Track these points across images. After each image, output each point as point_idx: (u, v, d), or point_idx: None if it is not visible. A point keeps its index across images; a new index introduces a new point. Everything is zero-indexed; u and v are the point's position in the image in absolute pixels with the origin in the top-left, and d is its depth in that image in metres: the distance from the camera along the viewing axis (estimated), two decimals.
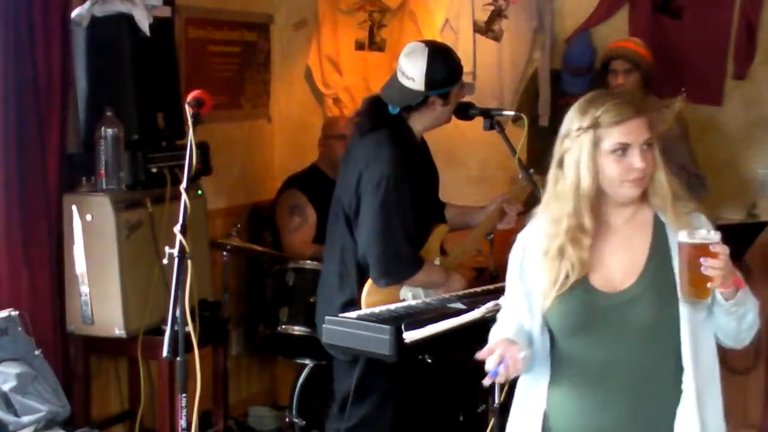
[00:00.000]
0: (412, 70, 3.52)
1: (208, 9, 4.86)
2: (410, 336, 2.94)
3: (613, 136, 2.29)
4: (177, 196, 3.00)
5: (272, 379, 5.41)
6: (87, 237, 3.74)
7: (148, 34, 3.85)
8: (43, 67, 3.66)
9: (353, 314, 3.20)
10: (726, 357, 4.57)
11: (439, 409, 4.05)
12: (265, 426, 5.06)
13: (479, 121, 3.70)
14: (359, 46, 5.24)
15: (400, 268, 3.48)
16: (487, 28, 4.96)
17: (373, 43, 5.22)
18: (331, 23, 5.26)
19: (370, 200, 3.46)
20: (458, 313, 3.07)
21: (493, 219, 3.76)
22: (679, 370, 2.29)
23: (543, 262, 2.35)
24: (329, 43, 5.26)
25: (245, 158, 5.21)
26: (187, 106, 2.96)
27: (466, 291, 3.51)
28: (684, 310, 2.28)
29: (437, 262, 3.66)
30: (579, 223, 2.32)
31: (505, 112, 3.84)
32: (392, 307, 3.31)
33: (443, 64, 3.54)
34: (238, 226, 4.72)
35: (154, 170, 3.85)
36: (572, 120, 2.34)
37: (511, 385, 2.54)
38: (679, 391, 2.29)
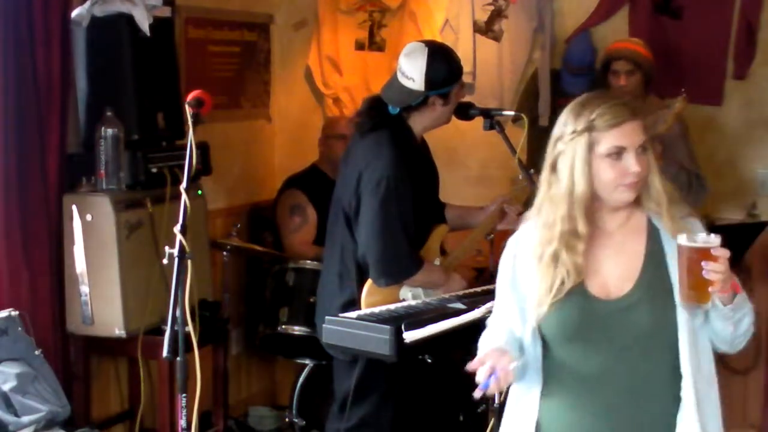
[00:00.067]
0: (412, 70, 3.52)
1: (208, 9, 4.86)
2: (410, 336, 2.94)
3: (608, 140, 2.24)
4: (177, 196, 3.00)
5: (272, 379, 5.41)
6: (87, 237, 3.74)
7: (148, 34, 3.85)
8: (43, 67, 3.67)
9: (353, 314, 3.20)
10: (726, 357, 4.55)
11: (439, 409, 4.05)
12: (265, 426, 5.06)
13: (479, 121, 3.70)
14: (359, 46, 5.24)
15: (399, 268, 3.48)
16: (487, 28, 4.95)
17: (373, 43, 5.22)
18: (331, 23, 5.26)
19: (370, 200, 3.46)
20: (458, 313, 3.07)
21: (493, 219, 3.76)
22: (677, 376, 2.26)
23: (537, 268, 2.30)
24: (329, 43, 5.26)
25: (245, 158, 5.21)
26: (187, 106, 2.96)
27: (466, 291, 3.51)
28: (682, 316, 2.25)
29: (437, 262, 3.66)
30: (573, 228, 2.27)
31: (505, 112, 3.84)
32: (392, 307, 3.31)
33: (443, 64, 3.55)
34: (238, 226, 4.72)
35: (154, 170, 3.85)
36: (565, 123, 2.29)
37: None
38: (678, 398, 2.26)
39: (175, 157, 3.87)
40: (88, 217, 3.73)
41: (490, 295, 3.11)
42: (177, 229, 2.86)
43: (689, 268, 2.18)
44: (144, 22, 3.82)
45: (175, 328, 2.82)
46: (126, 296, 3.74)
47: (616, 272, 2.30)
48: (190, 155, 2.92)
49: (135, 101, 3.89)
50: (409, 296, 3.51)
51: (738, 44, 4.63)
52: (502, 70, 5.00)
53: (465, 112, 3.69)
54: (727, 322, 2.26)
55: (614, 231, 2.33)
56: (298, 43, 5.38)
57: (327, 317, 3.17)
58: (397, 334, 2.94)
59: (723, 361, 4.62)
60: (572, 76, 4.77)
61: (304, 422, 4.57)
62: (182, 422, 2.91)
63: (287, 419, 4.66)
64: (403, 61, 3.56)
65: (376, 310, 3.26)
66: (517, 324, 2.35)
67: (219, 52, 4.96)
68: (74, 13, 3.78)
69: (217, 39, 4.95)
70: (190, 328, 2.83)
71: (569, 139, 2.26)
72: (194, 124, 2.92)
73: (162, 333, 2.98)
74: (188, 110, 2.95)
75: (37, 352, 3.50)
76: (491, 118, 3.65)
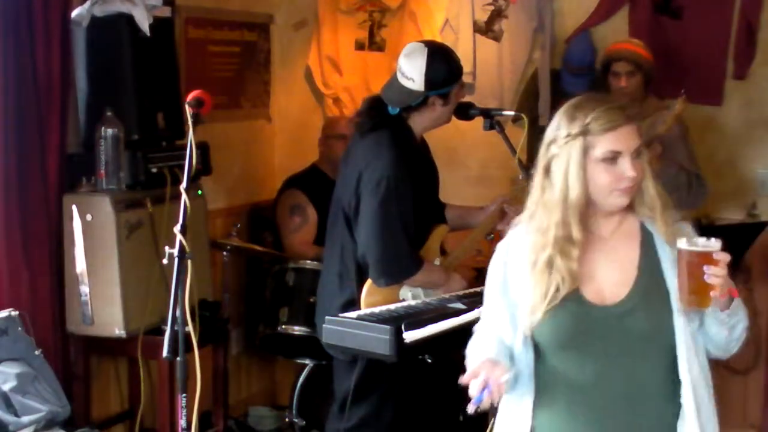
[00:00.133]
0: (412, 71, 3.52)
1: (208, 9, 4.86)
2: (410, 336, 2.94)
3: (603, 144, 2.20)
4: (177, 196, 3.00)
5: (272, 379, 5.41)
6: (87, 237, 3.74)
7: (148, 34, 3.85)
8: (43, 67, 3.67)
9: (353, 314, 3.20)
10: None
11: (439, 409, 4.04)
12: (265, 426, 5.06)
13: (479, 121, 3.70)
14: (359, 46, 5.24)
15: (399, 268, 3.48)
16: (487, 28, 4.95)
17: (373, 43, 5.22)
18: (331, 23, 5.26)
19: (369, 200, 3.46)
20: (458, 313, 3.07)
21: (493, 219, 3.76)
22: (674, 382, 2.24)
23: (531, 274, 2.26)
24: (329, 43, 5.26)
25: (245, 158, 5.21)
26: (187, 106, 2.96)
27: (466, 291, 3.51)
28: (679, 321, 2.22)
29: (437, 262, 3.66)
30: (567, 233, 2.23)
31: (505, 112, 3.84)
32: (392, 307, 3.31)
33: (443, 64, 3.55)
34: (238, 226, 4.72)
35: (154, 170, 3.85)
36: (559, 126, 2.25)
37: None
38: (675, 405, 2.24)
39: (175, 157, 3.87)
40: (88, 217, 3.73)
41: None
42: (177, 229, 2.86)
43: (690, 272, 2.15)
44: (144, 22, 3.82)
45: (175, 328, 2.82)
46: (126, 296, 3.74)
47: (611, 278, 2.27)
48: (190, 155, 2.92)
49: (135, 101, 3.89)
50: (409, 296, 3.51)
51: (738, 44, 4.63)
52: (502, 70, 5.00)
53: (465, 112, 3.69)
54: (722, 327, 2.25)
55: (607, 236, 2.30)
56: (298, 43, 5.38)
57: (327, 317, 3.18)
58: (397, 334, 2.94)
59: (723, 361, 4.66)
60: (572, 76, 4.77)
61: (304, 422, 4.57)
62: (182, 422, 2.91)
63: (287, 419, 4.66)
64: (403, 61, 3.56)
65: (376, 310, 3.26)
66: (507, 331, 2.30)
67: (219, 52, 4.96)
68: (74, 13, 3.78)
69: (217, 39, 4.95)
70: (190, 328, 2.83)
71: (563, 143, 2.23)
72: (194, 124, 2.92)
73: (162, 333, 2.98)
74: (188, 110, 2.95)
75: (37, 352, 3.50)
76: (491, 118, 3.65)
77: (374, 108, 3.63)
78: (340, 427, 3.65)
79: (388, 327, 2.97)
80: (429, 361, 3.75)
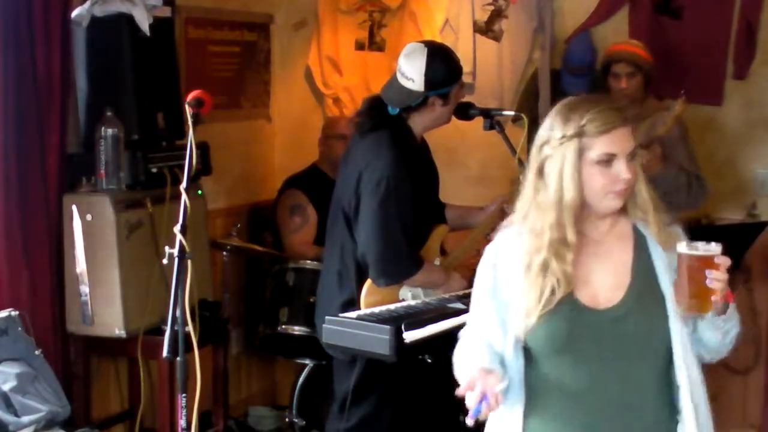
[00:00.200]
0: (412, 71, 3.52)
1: (208, 9, 4.86)
2: (410, 336, 2.95)
3: (599, 146, 2.17)
4: (177, 196, 3.00)
5: (272, 379, 5.41)
6: (87, 237, 3.74)
7: (148, 34, 3.85)
8: (43, 67, 3.67)
9: (353, 314, 3.20)
10: (726, 357, 4.61)
11: (439, 409, 4.04)
12: (265, 426, 5.06)
13: (479, 121, 3.70)
14: (359, 46, 5.24)
15: (399, 268, 3.48)
16: (487, 28, 4.95)
17: (373, 43, 5.22)
18: (331, 23, 5.26)
19: (369, 200, 3.46)
20: (458, 313, 3.07)
21: (493, 219, 3.75)
22: (668, 386, 2.22)
23: (525, 278, 2.21)
24: (329, 43, 5.26)
25: (245, 158, 5.21)
26: (187, 106, 2.96)
27: (466, 291, 3.50)
28: (675, 325, 2.19)
29: (437, 262, 3.66)
30: (562, 236, 2.19)
31: (505, 112, 3.85)
32: (392, 307, 3.31)
33: (442, 64, 3.55)
34: (238, 226, 4.73)
35: (154, 170, 3.85)
36: (552, 127, 2.23)
37: None
38: (670, 409, 2.22)
39: (175, 157, 3.87)
40: (88, 217, 3.73)
41: None
42: (177, 229, 2.87)
43: (691, 276, 2.12)
44: (144, 22, 3.82)
45: (175, 328, 2.82)
46: (126, 296, 3.74)
47: (605, 281, 2.24)
48: (190, 155, 2.92)
49: (135, 101, 3.89)
50: (409, 296, 3.51)
51: (738, 44, 4.62)
52: (502, 70, 5.00)
53: (465, 112, 3.69)
54: (716, 332, 2.23)
55: (600, 239, 2.27)
56: (298, 43, 5.38)
57: (327, 317, 3.18)
58: (397, 334, 2.94)
59: (723, 361, 4.65)
60: (572, 76, 4.77)
61: (304, 422, 4.57)
62: (182, 422, 2.91)
63: (287, 419, 4.67)
64: (403, 61, 3.56)
65: (376, 310, 3.26)
66: (497, 336, 2.25)
67: (219, 52, 4.96)
68: (74, 13, 3.78)
69: (217, 39, 4.95)
70: (190, 328, 2.83)
71: (557, 144, 2.20)
72: (194, 124, 2.92)
73: (162, 333, 2.98)
74: (188, 110, 2.95)
75: (37, 352, 3.50)
76: (491, 118, 3.65)
77: (374, 108, 3.63)
78: (340, 427, 3.65)
79: (388, 327, 2.97)
80: (429, 361, 3.75)
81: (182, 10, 4.50)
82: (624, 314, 2.20)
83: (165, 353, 2.83)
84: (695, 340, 2.26)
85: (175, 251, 2.85)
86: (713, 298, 2.12)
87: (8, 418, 3.27)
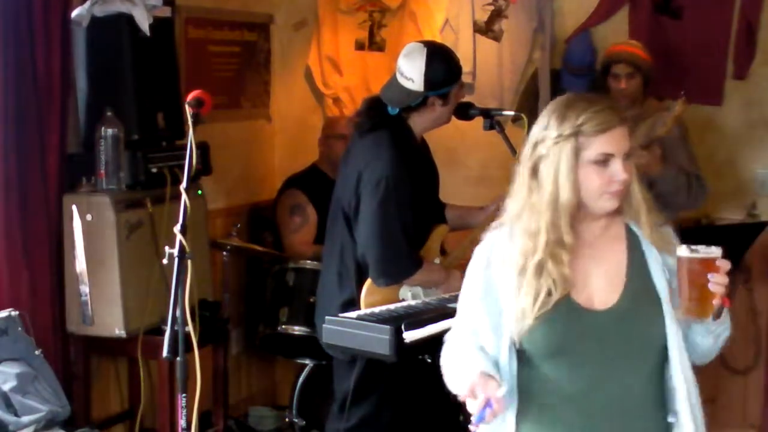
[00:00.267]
0: (411, 71, 3.52)
1: (208, 9, 4.87)
2: (410, 336, 2.94)
3: (596, 146, 2.14)
4: (177, 196, 3.00)
5: (272, 379, 5.41)
6: (87, 237, 3.74)
7: (148, 34, 3.85)
8: (43, 67, 3.67)
9: (353, 314, 3.20)
10: (726, 357, 4.63)
11: (439, 409, 4.04)
12: (265, 426, 5.06)
13: (479, 121, 3.70)
14: (359, 46, 5.24)
15: (398, 268, 3.48)
16: (487, 28, 4.95)
17: (373, 43, 5.22)
18: (331, 23, 5.26)
19: (369, 200, 3.46)
20: None
21: (493, 219, 3.72)
22: (661, 388, 2.20)
23: (519, 280, 2.17)
24: (329, 43, 5.26)
25: (245, 158, 5.21)
26: (187, 106, 2.96)
27: None
28: (671, 327, 2.17)
29: (437, 262, 3.66)
30: (558, 237, 2.16)
31: (505, 112, 3.84)
32: (392, 307, 3.31)
33: (442, 64, 3.55)
34: (238, 226, 4.73)
35: (154, 170, 3.85)
36: (547, 126, 2.20)
37: None
38: (664, 411, 2.20)
39: (175, 157, 3.88)
40: (88, 217, 3.73)
41: None
42: (177, 229, 2.86)
43: (692, 280, 2.10)
44: (144, 22, 3.82)
45: (175, 328, 2.82)
46: (126, 296, 3.74)
47: (600, 282, 2.21)
48: (190, 155, 2.92)
49: (135, 101, 3.89)
50: (409, 296, 3.51)
51: (738, 44, 4.62)
52: (502, 70, 5.00)
53: (465, 112, 3.69)
54: (709, 336, 2.21)
55: (594, 240, 2.23)
56: (298, 43, 5.38)
57: (327, 317, 3.18)
58: (397, 334, 2.94)
59: (723, 361, 4.67)
60: (572, 76, 4.77)
61: (304, 422, 4.57)
62: (182, 422, 2.91)
63: (287, 419, 4.66)
64: (402, 61, 3.56)
65: (376, 310, 3.26)
66: (489, 340, 2.21)
67: (219, 52, 4.96)
68: (74, 13, 3.78)
69: (217, 39, 4.95)
70: (190, 328, 2.83)
71: (553, 144, 2.17)
72: (194, 124, 2.92)
73: (162, 333, 2.98)
74: (188, 110, 2.95)
75: (37, 352, 3.50)
76: (491, 118, 3.65)
77: (374, 108, 3.63)
78: (340, 427, 3.65)
79: (387, 327, 2.97)
80: (429, 361, 3.75)
81: (182, 10, 4.50)
82: (621, 316, 2.18)
83: (165, 353, 2.82)
84: (686, 344, 2.23)
85: (175, 251, 2.85)
86: (714, 302, 2.10)
87: (8, 418, 3.27)
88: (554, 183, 2.16)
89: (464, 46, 4.93)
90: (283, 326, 4.49)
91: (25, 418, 3.30)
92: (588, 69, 4.71)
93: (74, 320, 3.80)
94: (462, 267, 3.85)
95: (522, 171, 2.23)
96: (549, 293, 2.15)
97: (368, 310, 3.28)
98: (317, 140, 4.97)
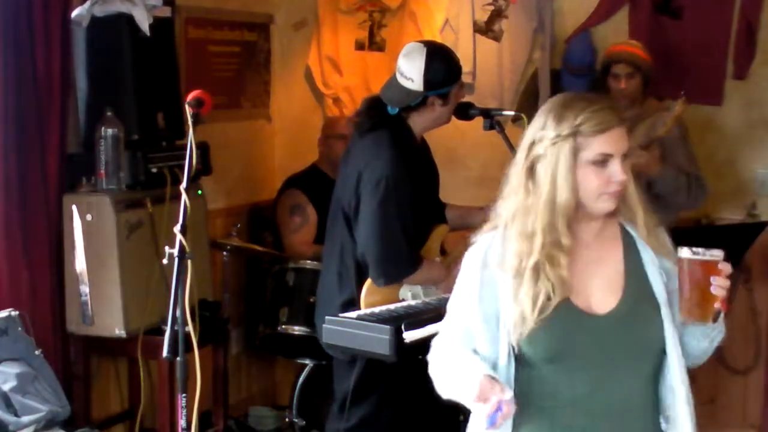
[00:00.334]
0: (411, 71, 3.52)
1: (208, 9, 4.87)
2: (410, 336, 2.94)
3: (594, 146, 2.11)
4: (177, 196, 3.00)
5: (272, 379, 5.41)
6: (87, 237, 3.74)
7: (148, 34, 3.85)
8: (43, 67, 3.67)
9: (353, 314, 3.20)
10: (726, 357, 4.63)
11: (439, 409, 4.05)
12: (265, 426, 5.06)
13: (479, 121, 3.70)
14: (359, 46, 5.24)
15: (398, 267, 3.47)
16: (487, 28, 4.96)
17: (373, 43, 5.22)
18: (331, 23, 5.26)
19: (369, 200, 3.46)
20: None
21: None
22: (664, 391, 2.18)
23: (516, 283, 2.13)
24: (329, 43, 5.26)
25: (245, 158, 5.21)
26: (187, 106, 2.96)
27: None
28: (669, 329, 2.15)
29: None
30: (555, 239, 2.12)
31: (505, 112, 3.84)
32: (392, 307, 3.31)
33: (442, 64, 3.54)
34: (238, 226, 4.73)
35: (154, 170, 3.85)
36: (545, 125, 2.16)
37: None
38: (658, 415, 2.19)
39: (175, 157, 3.88)
40: (88, 217, 3.73)
41: None
42: (177, 229, 2.87)
43: (695, 283, 2.08)
44: (144, 22, 3.82)
45: (175, 328, 2.82)
46: (126, 296, 3.74)
47: (599, 285, 2.18)
48: (190, 155, 2.92)
49: (135, 101, 3.89)
50: (409, 296, 3.51)
51: (738, 44, 4.62)
52: (502, 70, 5.00)
53: (465, 112, 3.69)
54: (704, 339, 2.20)
55: (590, 241, 2.20)
56: (298, 43, 5.38)
57: (327, 317, 3.18)
58: (397, 334, 2.94)
59: (723, 361, 4.67)
60: (572, 76, 4.77)
61: (304, 422, 4.57)
62: (182, 422, 2.91)
63: (287, 419, 4.67)
64: (402, 61, 3.56)
65: (376, 310, 3.26)
66: (485, 343, 2.17)
67: (219, 52, 4.96)
68: (74, 13, 3.78)
69: (217, 39, 4.95)
70: (190, 328, 2.83)
71: (551, 144, 2.13)
72: (194, 124, 2.93)
73: (162, 333, 2.98)
74: (188, 110, 2.95)
75: (37, 352, 3.50)
76: (491, 118, 3.65)
77: (373, 108, 3.63)
78: (340, 427, 3.65)
79: (387, 327, 2.97)
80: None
81: (182, 10, 4.50)
82: (621, 320, 2.15)
83: (165, 353, 2.83)
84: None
85: (175, 251, 2.85)
86: (716, 305, 2.08)
87: (8, 418, 3.27)
88: (552, 183, 2.13)
89: (464, 46, 4.93)
90: (283, 326, 4.50)
91: (25, 418, 3.30)
92: (588, 69, 4.71)
93: (74, 320, 3.80)
94: None
95: (518, 172, 2.20)
96: (548, 297, 2.12)
97: (368, 310, 3.28)
98: (317, 140, 4.97)
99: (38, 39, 3.64)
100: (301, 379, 4.58)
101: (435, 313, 3.15)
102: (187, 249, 2.85)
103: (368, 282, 3.49)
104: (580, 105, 2.14)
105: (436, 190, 3.81)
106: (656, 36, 4.67)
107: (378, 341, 2.97)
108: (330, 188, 3.80)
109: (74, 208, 3.75)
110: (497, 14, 4.93)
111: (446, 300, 3.32)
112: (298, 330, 4.47)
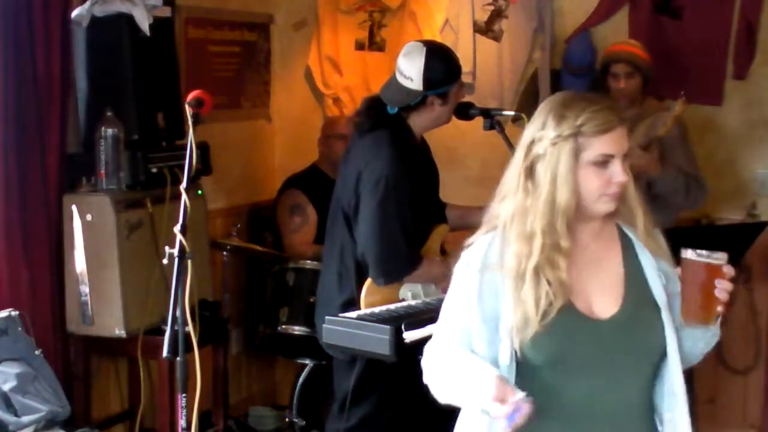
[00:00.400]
0: (410, 70, 3.52)
1: (208, 9, 4.87)
2: (410, 336, 2.94)
3: (596, 147, 2.08)
4: (177, 196, 3.00)
5: (272, 379, 5.41)
6: (87, 237, 3.74)
7: (148, 34, 3.85)
8: (43, 67, 3.67)
9: (353, 314, 3.20)
10: (726, 357, 4.63)
11: (439, 409, 4.05)
12: (265, 426, 5.06)
13: (479, 121, 3.70)
14: (359, 46, 5.24)
15: (398, 267, 3.47)
16: (487, 28, 4.96)
17: (373, 43, 5.22)
18: (331, 23, 5.26)
19: (368, 199, 3.46)
20: None
21: None
22: (663, 394, 2.16)
23: (516, 286, 2.09)
24: (329, 43, 5.27)
25: (245, 158, 5.21)
26: (187, 106, 2.96)
27: None
28: (670, 333, 2.12)
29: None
30: (555, 241, 2.08)
31: (505, 112, 3.84)
32: (392, 307, 3.31)
33: (441, 63, 3.54)
34: (238, 226, 4.73)
35: (154, 170, 3.85)
36: (544, 125, 2.12)
37: None
38: (663, 419, 2.16)
39: (175, 157, 3.87)
40: (88, 217, 3.73)
41: None
42: (177, 229, 2.87)
43: (700, 285, 2.06)
44: (144, 22, 3.82)
45: (175, 328, 2.82)
46: (126, 296, 3.74)
47: (599, 288, 2.15)
48: (190, 155, 2.92)
49: (135, 101, 3.89)
50: (409, 296, 3.51)
51: (738, 44, 4.63)
52: (502, 70, 5.00)
53: (465, 112, 3.69)
54: (700, 342, 2.19)
55: (589, 242, 2.17)
56: (298, 43, 5.38)
57: (327, 317, 3.18)
58: (397, 334, 2.94)
59: (723, 361, 4.67)
60: (572, 76, 4.77)
61: (304, 422, 4.57)
62: (182, 422, 2.91)
63: (287, 419, 4.67)
64: (402, 60, 3.56)
65: (376, 310, 3.26)
66: (482, 344, 2.13)
67: (219, 52, 4.96)
68: (74, 13, 3.78)
69: (217, 39, 4.95)
70: (190, 328, 2.83)
71: (551, 144, 2.10)
72: (194, 124, 2.93)
73: (162, 333, 2.98)
74: (188, 110, 2.95)
75: (37, 352, 3.50)
76: (491, 118, 3.65)
77: (373, 108, 3.62)
78: (340, 427, 3.65)
79: (387, 327, 2.97)
80: None
81: (182, 10, 4.50)
82: (623, 324, 2.13)
83: (165, 353, 2.83)
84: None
85: (175, 251, 2.85)
86: (719, 308, 2.07)
87: (8, 418, 3.27)
88: (552, 184, 2.09)
89: (464, 46, 4.93)
90: (283, 326, 4.50)
91: (25, 418, 3.30)
92: (588, 69, 4.71)
93: (74, 320, 3.80)
94: None
95: (516, 172, 2.16)
96: (550, 301, 2.08)
97: (368, 310, 3.28)
98: (317, 140, 4.97)
99: (38, 39, 3.64)
100: (301, 379, 4.58)
101: (435, 313, 3.14)
102: (187, 249, 2.86)
103: (368, 282, 3.49)
104: (580, 105, 2.11)
105: (436, 189, 3.81)
106: (656, 36, 4.67)
107: (378, 341, 2.97)
108: (330, 188, 3.80)
109: (74, 208, 3.75)
110: (497, 14, 4.93)
111: None
112: (298, 330, 4.47)
